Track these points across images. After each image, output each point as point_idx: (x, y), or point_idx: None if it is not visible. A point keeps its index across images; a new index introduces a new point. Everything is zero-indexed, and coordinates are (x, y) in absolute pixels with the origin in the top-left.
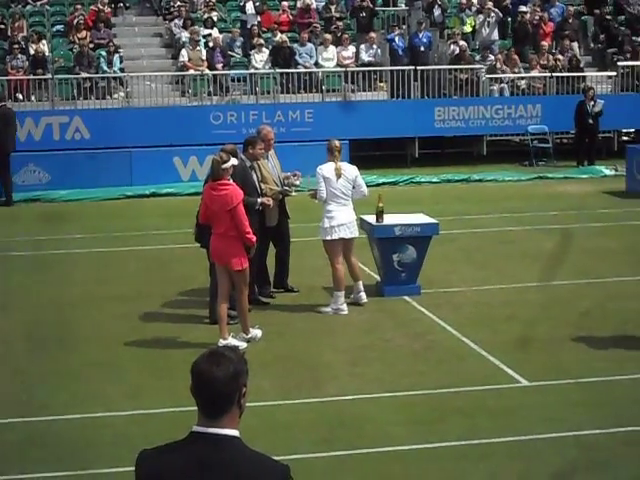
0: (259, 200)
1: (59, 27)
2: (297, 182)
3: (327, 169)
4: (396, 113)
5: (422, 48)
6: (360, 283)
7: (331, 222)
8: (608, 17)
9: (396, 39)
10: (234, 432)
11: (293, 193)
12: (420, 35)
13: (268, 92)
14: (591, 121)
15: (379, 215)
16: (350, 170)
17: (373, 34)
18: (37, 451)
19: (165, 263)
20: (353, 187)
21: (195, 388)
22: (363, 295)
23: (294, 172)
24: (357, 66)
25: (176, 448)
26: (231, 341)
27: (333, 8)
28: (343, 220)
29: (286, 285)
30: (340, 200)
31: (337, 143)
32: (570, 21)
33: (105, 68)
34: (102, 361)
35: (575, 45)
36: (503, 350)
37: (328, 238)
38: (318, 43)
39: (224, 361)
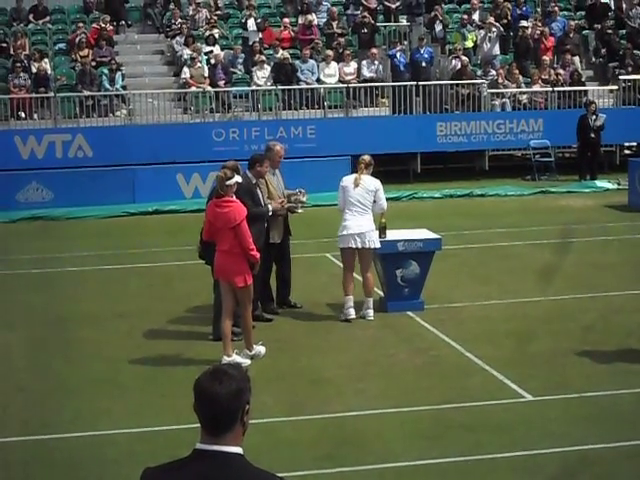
0: (270, 207)
1: (61, 45)
2: (303, 199)
3: (347, 179)
4: (398, 129)
5: (424, 63)
6: (371, 300)
7: (343, 231)
8: (609, 31)
9: (397, 55)
10: (238, 449)
11: (299, 210)
12: (421, 51)
13: (270, 109)
14: (593, 135)
15: (382, 231)
16: (370, 182)
17: (375, 50)
18: (41, 470)
19: (168, 280)
20: (374, 201)
21: (198, 406)
22: (371, 312)
23: (299, 189)
24: (359, 82)
25: (180, 466)
26: (235, 358)
27: (335, 24)
28: (355, 230)
29: (288, 302)
30: (356, 209)
31: (365, 157)
32: (571, 35)
33: (107, 86)
34: (106, 378)
35: (577, 59)
36: (507, 365)
37: (340, 246)
38: (320, 59)
39: (227, 379)
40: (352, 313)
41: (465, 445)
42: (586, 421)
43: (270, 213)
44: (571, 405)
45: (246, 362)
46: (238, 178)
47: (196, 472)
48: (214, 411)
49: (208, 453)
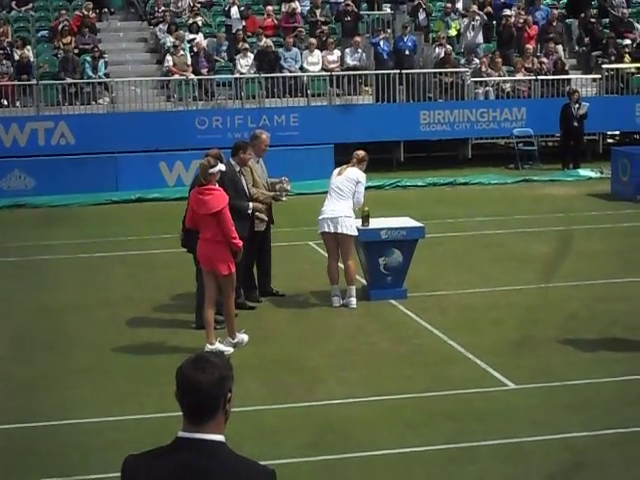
0: (251, 205)
1: (44, 33)
2: (288, 187)
3: (336, 170)
4: (381, 117)
5: (407, 52)
6: (352, 288)
7: (319, 216)
8: (592, 20)
9: (381, 43)
10: (220, 437)
11: (284, 198)
12: (405, 39)
13: (253, 97)
14: (576, 124)
15: (365, 219)
16: (354, 172)
17: (358, 38)
18: (24, 457)
19: (152, 268)
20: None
21: (180, 393)
22: (353, 300)
23: (283, 177)
24: (342, 70)
25: (161, 454)
26: (218, 346)
27: (318, 12)
28: (327, 214)
29: (270, 290)
30: (334, 194)
31: (359, 152)
32: (554, 24)
33: (90, 73)
34: (89, 367)
35: (560, 48)
36: (490, 353)
37: (318, 231)
38: (303, 47)
39: (209, 367)
40: (336, 302)
41: (448, 433)
42: (569, 409)
43: (250, 211)
44: (554, 393)
45: (229, 350)
46: (221, 166)
47: (177, 460)
48: (197, 400)
49: (190, 441)
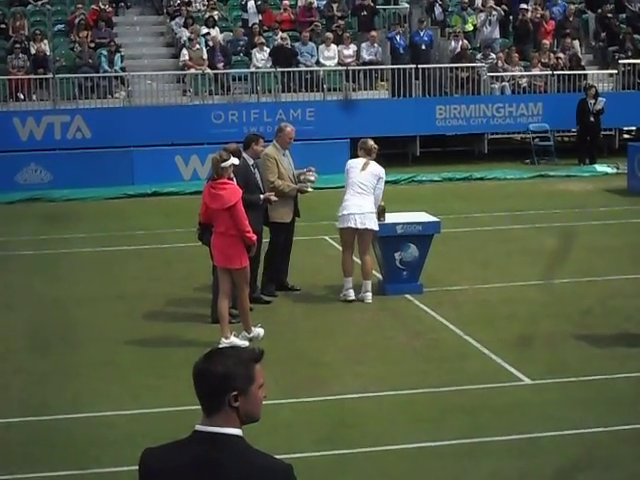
0: (262, 196)
1: (60, 26)
2: (312, 178)
3: (354, 161)
4: (397, 112)
5: (423, 46)
6: (369, 283)
7: (343, 211)
8: (609, 15)
9: (397, 37)
10: (235, 431)
11: (309, 189)
12: (421, 33)
13: (269, 91)
14: (592, 119)
15: (381, 214)
16: (377, 168)
17: (374, 33)
18: (40, 450)
19: (167, 262)
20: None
21: (193, 384)
22: (369, 295)
23: (308, 168)
24: (358, 65)
25: (178, 447)
26: (233, 340)
27: (335, 7)
28: (354, 210)
29: (286, 284)
30: (357, 189)
31: (368, 143)
32: (571, 19)
33: (106, 67)
34: (105, 360)
35: (576, 43)
36: (505, 348)
37: (339, 226)
38: (319, 42)
39: (218, 360)
40: (352, 294)
41: (463, 428)
42: (584, 405)
43: (261, 202)
44: (569, 389)
45: (244, 344)
46: (234, 160)
47: (194, 453)
48: (200, 391)
49: (206, 434)
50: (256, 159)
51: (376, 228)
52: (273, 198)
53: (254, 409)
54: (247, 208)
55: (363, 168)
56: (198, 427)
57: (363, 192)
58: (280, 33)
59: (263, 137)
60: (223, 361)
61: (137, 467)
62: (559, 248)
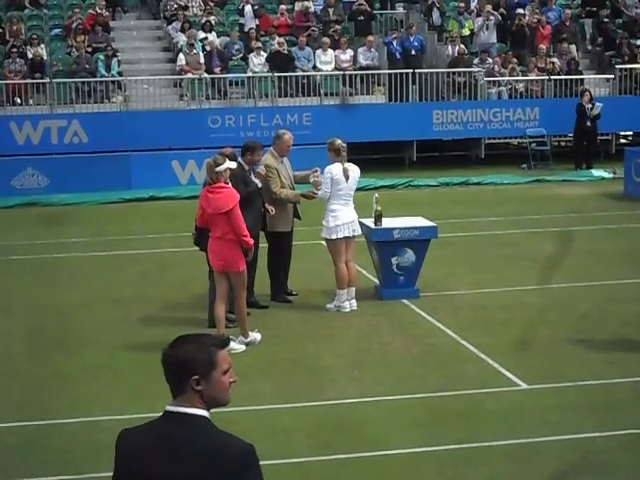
0: (256, 180)
1: (57, 31)
2: (320, 179)
3: (336, 170)
4: (394, 116)
5: (413, 52)
6: (353, 289)
7: (336, 221)
8: (606, 20)
9: (394, 43)
10: (201, 412)
11: (318, 192)
12: (411, 39)
13: (266, 95)
14: (589, 124)
15: (378, 218)
16: (355, 170)
17: (371, 37)
18: (37, 455)
19: (164, 267)
20: None
21: None
22: (354, 302)
23: (314, 169)
24: (355, 69)
25: (149, 426)
26: (231, 345)
27: (331, 11)
28: (346, 219)
29: (285, 289)
30: (344, 200)
31: (342, 143)
32: (568, 24)
33: (103, 72)
34: (101, 364)
35: (573, 48)
36: (502, 353)
37: (333, 237)
38: (316, 47)
39: (181, 345)
40: (348, 306)
41: (460, 433)
42: (581, 410)
43: (259, 186)
44: (566, 394)
45: (241, 348)
46: (230, 164)
47: (160, 431)
48: (165, 373)
49: (173, 414)
50: (251, 166)
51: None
52: (271, 210)
53: (218, 394)
54: (246, 212)
55: (346, 176)
56: (168, 407)
57: (348, 200)
58: (277, 38)
59: (262, 145)
60: (185, 346)
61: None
62: (557, 252)
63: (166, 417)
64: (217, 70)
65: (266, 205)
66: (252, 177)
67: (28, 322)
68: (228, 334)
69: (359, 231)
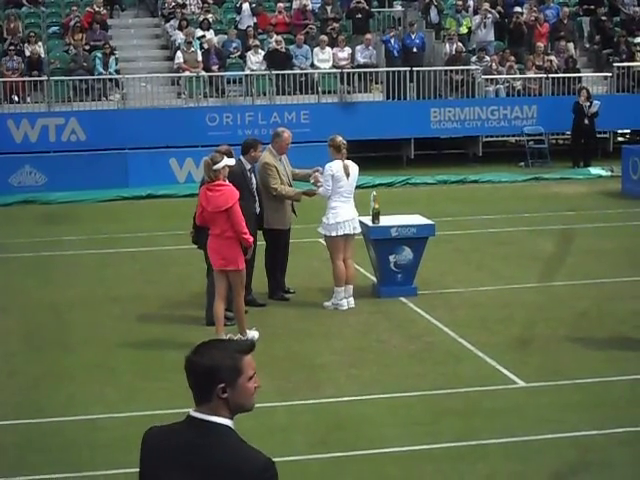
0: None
1: (55, 29)
2: (322, 179)
3: (336, 167)
4: (392, 114)
5: (415, 49)
6: (351, 287)
7: (336, 218)
8: (603, 18)
9: (392, 40)
10: (224, 420)
11: (320, 190)
12: (413, 36)
13: (264, 93)
14: (587, 122)
15: (375, 216)
16: (355, 169)
17: (369, 35)
18: (34, 453)
19: (162, 265)
20: None
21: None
22: (351, 300)
23: (315, 168)
24: (353, 67)
25: (174, 429)
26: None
27: (329, 9)
28: (346, 216)
29: (283, 286)
30: (345, 197)
31: (342, 140)
32: (565, 22)
33: (101, 70)
34: (99, 363)
35: (571, 46)
36: (500, 351)
37: (333, 234)
38: (314, 45)
39: (204, 352)
40: (345, 304)
41: (458, 431)
42: (579, 408)
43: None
44: (564, 392)
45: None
46: (228, 161)
47: (184, 438)
48: (189, 380)
49: (197, 420)
50: (253, 164)
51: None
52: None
53: (244, 400)
54: (244, 208)
55: (347, 173)
56: (192, 413)
57: (349, 198)
58: (275, 36)
59: (262, 142)
60: (210, 353)
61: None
62: (559, 250)
63: (190, 423)
64: (215, 68)
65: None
66: (252, 177)
67: (25, 320)
68: (226, 334)
69: (359, 229)
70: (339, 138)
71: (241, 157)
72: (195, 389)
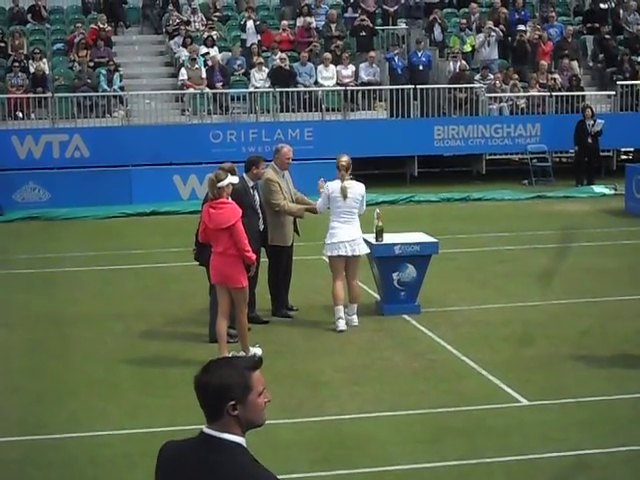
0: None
1: (59, 45)
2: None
3: (332, 188)
4: (396, 132)
5: (421, 67)
6: (355, 306)
7: (332, 239)
8: (607, 36)
9: (395, 58)
10: (236, 438)
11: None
12: (419, 54)
13: (268, 111)
14: (590, 140)
15: (379, 234)
16: (357, 189)
17: (373, 53)
18: (36, 470)
19: (165, 281)
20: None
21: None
22: (355, 318)
23: (321, 179)
24: (357, 85)
25: (187, 446)
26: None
27: (333, 27)
28: (344, 238)
29: (286, 304)
30: (344, 218)
31: (343, 159)
32: (569, 40)
33: (105, 86)
34: (101, 379)
35: (575, 64)
36: (503, 369)
37: (329, 254)
38: (318, 62)
39: (213, 371)
40: (342, 324)
41: (461, 449)
42: (582, 426)
43: (260, 229)
44: (567, 410)
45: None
46: (232, 179)
47: (197, 455)
48: (199, 399)
49: (208, 437)
50: (256, 181)
51: (366, 251)
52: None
53: (255, 416)
54: (247, 225)
55: (344, 195)
56: (205, 429)
57: (348, 220)
58: (279, 53)
59: (264, 159)
60: (219, 372)
61: None
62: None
63: (203, 439)
64: (219, 85)
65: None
66: (255, 194)
67: (28, 336)
68: (229, 352)
69: (361, 250)
70: (342, 158)
71: (244, 174)
72: (206, 407)
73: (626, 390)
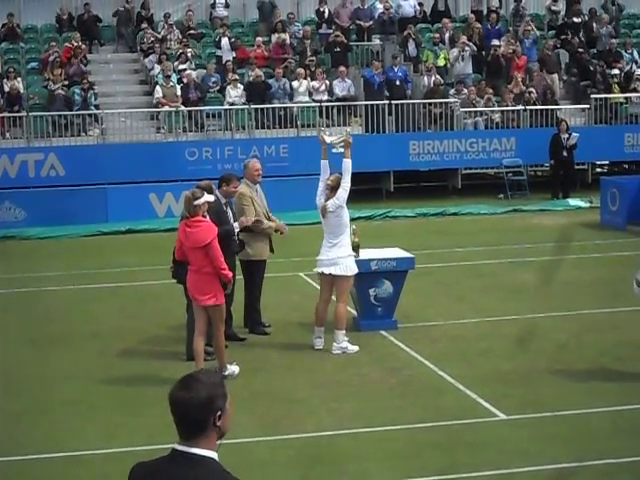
0: (235, 224)
1: (34, 64)
2: (350, 139)
3: (319, 204)
4: (371, 147)
5: (398, 82)
6: (338, 333)
7: (318, 256)
8: (580, 50)
9: (375, 75)
10: (209, 453)
11: (340, 149)
12: (395, 69)
13: (243, 127)
14: (566, 154)
15: (355, 250)
16: (331, 206)
17: (343, 68)
18: None
19: (142, 300)
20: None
21: (171, 413)
22: (334, 345)
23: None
24: (332, 101)
25: (159, 464)
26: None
27: (308, 43)
28: (322, 257)
29: (259, 320)
30: (329, 238)
31: (330, 178)
32: (550, 54)
33: (80, 105)
34: (78, 399)
35: (555, 77)
36: (480, 384)
37: (314, 270)
38: (293, 78)
39: (196, 386)
40: (319, 344)
41: (439, 465)
42: (560, 440)
43: (237, 230)
44: (545, 424)
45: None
46: (208, 197)
47: (172, 473)
48: (184, 418)
49: (182, 454)
50: (228, 198)
51: (342, 273)
52: (246, 222)
53: (228, 424)
54: (222, 243)
55: (323, 215)
56: (176, 446)
57: (329, 239)
58: (255, 70)
59: (238, 177)
60: (203, 386)
61: None
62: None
63: (175, 455)
64: (194, 99)
65: (243, 219)
66: (228, 210)
67: (5, 356)
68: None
69: (335, 271)
70: (330, 177)
71: (216, 191)
72: (188, 423)
73: (604, 403)
